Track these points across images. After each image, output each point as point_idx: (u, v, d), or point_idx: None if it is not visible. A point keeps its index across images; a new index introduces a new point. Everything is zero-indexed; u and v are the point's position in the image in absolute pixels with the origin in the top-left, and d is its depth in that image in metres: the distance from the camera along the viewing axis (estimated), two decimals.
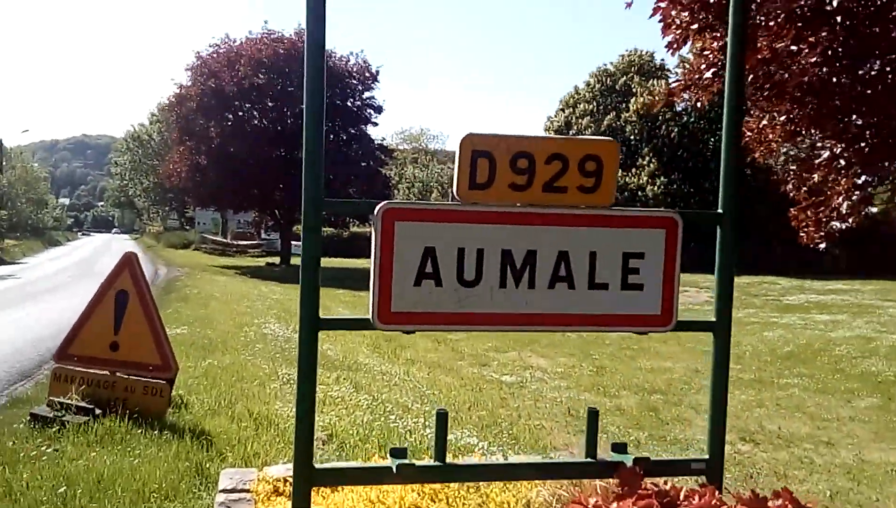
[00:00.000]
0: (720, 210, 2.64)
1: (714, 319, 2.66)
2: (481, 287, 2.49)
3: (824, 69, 4.22)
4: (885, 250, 30.62)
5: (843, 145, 4.29)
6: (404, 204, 2.55)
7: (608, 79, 46.21)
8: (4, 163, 51.94)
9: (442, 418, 2.58)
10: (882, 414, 8.08)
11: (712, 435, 2.68)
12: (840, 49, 4.35)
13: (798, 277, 29.12)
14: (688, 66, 5.04)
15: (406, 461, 2.51)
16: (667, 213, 2.59)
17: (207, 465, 4.61)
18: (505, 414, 7.46)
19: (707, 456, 2.70)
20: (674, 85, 5.22)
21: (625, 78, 45.04)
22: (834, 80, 4.25)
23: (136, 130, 65.76)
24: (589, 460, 2.63)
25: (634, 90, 43.81)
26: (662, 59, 43.93)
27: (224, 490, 3.70)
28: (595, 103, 44.39)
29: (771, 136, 5.72)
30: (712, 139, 38.65)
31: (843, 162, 4.34)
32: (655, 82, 47.96)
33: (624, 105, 42.15)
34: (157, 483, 4.26)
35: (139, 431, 5.24)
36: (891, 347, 12.85)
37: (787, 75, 4.45)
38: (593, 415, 2.66)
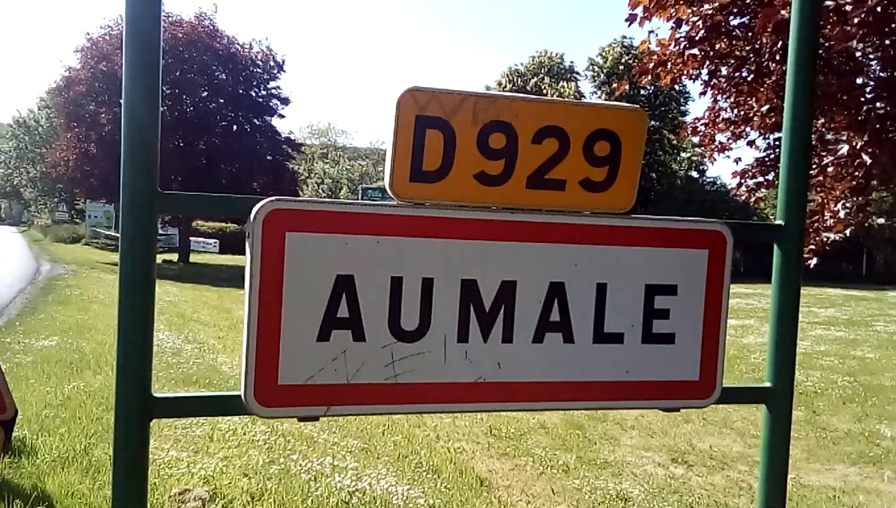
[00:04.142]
0: (780, 221, 1.75)
1: (768, 383, 1.75)
2: (429, 341, 1.48)
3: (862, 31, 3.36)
4: None
5: (865, 139, 3.49)
6: (301, 202, 1.42)
7: (519, 79, 46.57)
8: None
9: None
10: (810, 429, 8.15)
11: None
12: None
13: None
14: (655, 43, 4.27)
15: None
16: (712, 224, 1.64)
17: None
18: (422, 437, 7.04)
19: None
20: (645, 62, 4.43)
21: (535, 79, 45.43)
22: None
23: (22, 115, 62.27)
24: None
25: (544, 91, 44.20)
26: (572, 62, 44.80)
27: None
28: None
29: (726, 128, 5.05)
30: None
31: (868, 160, 3.52)
32: (566, 84, 48.89)
33: None
34: None
35: None
36: (804, 354, 13.05)
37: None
38: None
